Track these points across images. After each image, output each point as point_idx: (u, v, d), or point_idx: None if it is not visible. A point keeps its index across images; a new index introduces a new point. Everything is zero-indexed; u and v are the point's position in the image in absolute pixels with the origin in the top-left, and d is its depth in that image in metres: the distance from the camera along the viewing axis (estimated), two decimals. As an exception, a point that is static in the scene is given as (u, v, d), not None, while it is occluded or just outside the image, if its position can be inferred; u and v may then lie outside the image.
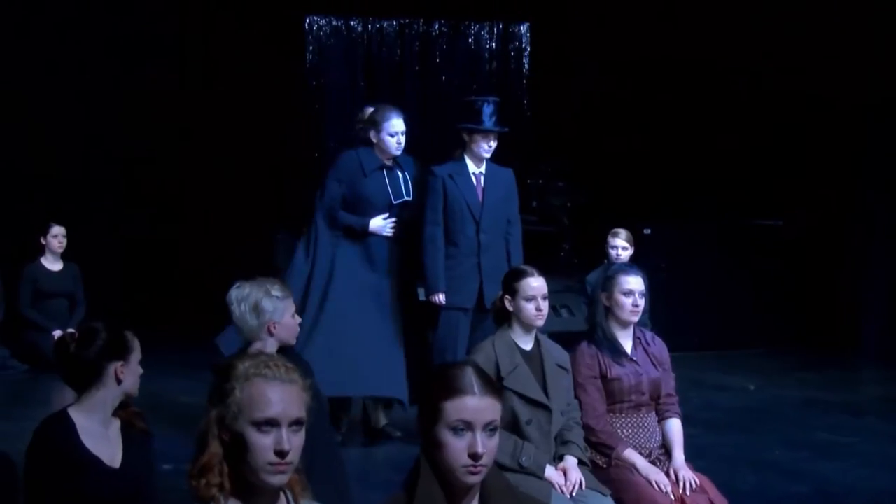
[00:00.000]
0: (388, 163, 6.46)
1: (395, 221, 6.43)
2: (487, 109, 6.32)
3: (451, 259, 6.35)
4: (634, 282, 4.58)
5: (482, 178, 6.43)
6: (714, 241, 10.35)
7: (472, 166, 6.42)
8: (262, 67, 11.60)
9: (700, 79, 11.21)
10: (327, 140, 12.89)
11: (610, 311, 4.61)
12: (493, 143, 6.39)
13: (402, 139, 6.41)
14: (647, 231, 9.57)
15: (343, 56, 12.86)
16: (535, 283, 4.47)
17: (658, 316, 7.60)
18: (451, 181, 6.36)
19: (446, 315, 6.34)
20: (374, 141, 6.41)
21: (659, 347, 4.71)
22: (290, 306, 4.19)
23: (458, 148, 6.52)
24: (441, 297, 6.31)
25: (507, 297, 4.51)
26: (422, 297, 6.53)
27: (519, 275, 4.55)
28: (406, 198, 6.49)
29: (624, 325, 4.62)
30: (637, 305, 4.57)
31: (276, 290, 4.14)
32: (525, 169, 11.57)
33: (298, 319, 4.27)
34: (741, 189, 10.89)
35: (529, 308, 4.44)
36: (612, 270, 4.78)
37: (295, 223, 11.40)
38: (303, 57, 12.68)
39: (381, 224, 6.39)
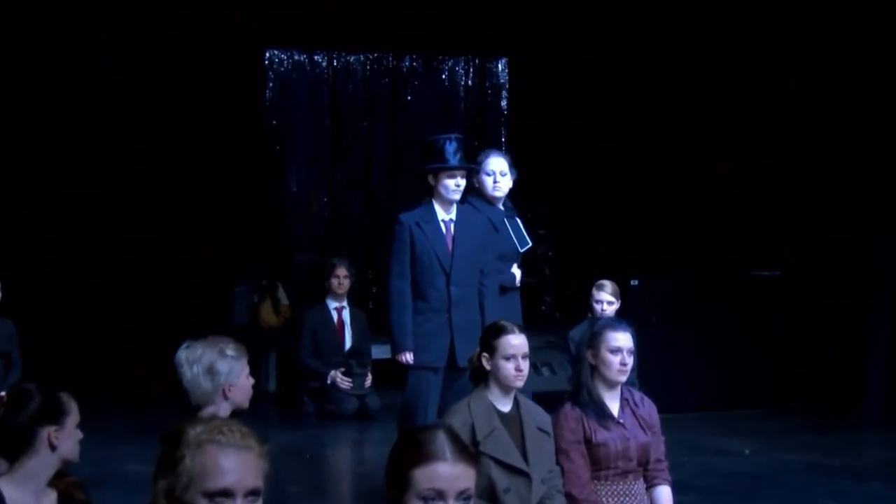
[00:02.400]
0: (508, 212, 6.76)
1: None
2: (451, 147, 6.26)
3: (419, 315, 6.24)
4: (622, 338, 4.59)
5: (452, 226, 6.33)
6: (707, 293, 10.34)
7: (441, 213, 6.32)
8: (217, 105, 11.57)
9: (688, 120, 11.31)
10: (289, 183, 12.87)
11: (596, 370, 4.60)
12: (462, 182, 6.30)
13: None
14: (634, 283, 9.56)
15: (306, 93, 12.84)
16: (516, 342, 4.46)
17: (647, 375, 7.60)
18: (419, 230, 6.27)
19: (415, 375, 6.23)
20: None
21: (648, 409, 4.70)
22: (245, 367, 4.10)
23: (426, 194, 6.47)
24: (409, 356, 6.19)
25: (484, 354, 4.49)
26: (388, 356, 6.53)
27: (498, 331, 4.53)
28: (529, 244, 6.85)
29: (611, 385, 4.61)
30: (625, 364, 4.57)
31: (230, 350, 4.06)
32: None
33: (252, 381, 4.19)
34: (735, 238, 10.94)
35: (508, 368, 4.42)
36: (597, 326, 4.78)
37: (255, 275, 11.37)
38: (262, 94, 12.67)
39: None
